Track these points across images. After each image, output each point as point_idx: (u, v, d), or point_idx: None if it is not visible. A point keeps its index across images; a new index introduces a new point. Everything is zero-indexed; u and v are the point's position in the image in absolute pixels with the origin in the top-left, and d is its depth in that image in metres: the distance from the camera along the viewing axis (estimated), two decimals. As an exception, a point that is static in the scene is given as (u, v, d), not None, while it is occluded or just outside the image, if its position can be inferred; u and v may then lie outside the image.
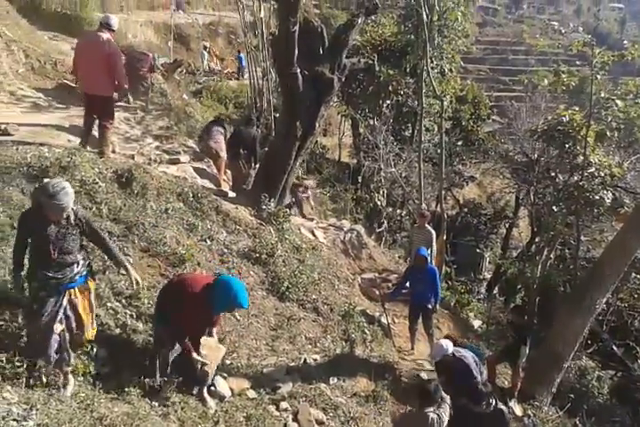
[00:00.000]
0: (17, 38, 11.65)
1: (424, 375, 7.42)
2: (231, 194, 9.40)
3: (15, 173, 5.72)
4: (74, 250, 4.07)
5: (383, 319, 8.55)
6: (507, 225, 20.38)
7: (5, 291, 4.36)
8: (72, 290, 4.09)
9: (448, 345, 6.02)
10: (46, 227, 3.92)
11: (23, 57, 11.63)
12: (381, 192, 16.46)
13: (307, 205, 11.89)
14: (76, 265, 4.09)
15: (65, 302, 4.02)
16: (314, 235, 9.99)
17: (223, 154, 10.42)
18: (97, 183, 6.18)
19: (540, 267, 13.42)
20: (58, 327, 4.00)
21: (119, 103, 9.32)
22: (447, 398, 5.49)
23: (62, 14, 16.77)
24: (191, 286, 4.53)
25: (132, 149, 9.34)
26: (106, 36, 7.34)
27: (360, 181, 18.03)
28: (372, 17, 11.45)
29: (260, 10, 15.39)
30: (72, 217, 4.04)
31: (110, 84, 7.57)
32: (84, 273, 4.20)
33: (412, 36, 16.71)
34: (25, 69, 11.43)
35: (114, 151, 8.20)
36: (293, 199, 10.98)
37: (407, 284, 8.39)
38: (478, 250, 20.21)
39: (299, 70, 8.34)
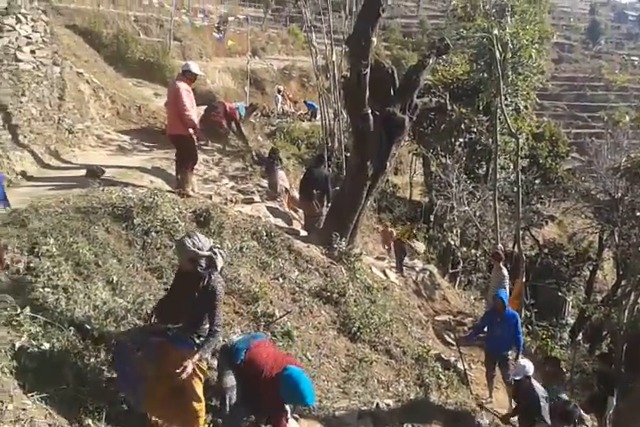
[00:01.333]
0: (104, 85, 12.52)
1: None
2: (303, 233, 9.50)
3: (101, 212, 6.01)
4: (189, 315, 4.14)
5: (459, 365, 8.22)
6: (590, 267, 19.39)
7: (96, 327, 4.52)
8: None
9: (529, 367, 5.82)
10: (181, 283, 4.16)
11: (109, 102, 12.47)
12: (455, 231, 16.13)
13: (379, 244, 11.83)
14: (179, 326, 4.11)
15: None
16: (385, 275, 9.87)
17: (290, 191, 10.64)
18: (177, 222, 6.40)
19: (627, 312, 12.59)
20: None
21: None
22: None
23: (145, 62, 17.95)
24: (265, 372, 4.30)
25: (210, 189, 9.68)
26: (180, 83, 7.75)
27: (432, 219, 17.79)
28: (444, 56, 11.51)
29: (331, 53, 15.86)
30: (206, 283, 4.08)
31: (181, 127, 7.95)
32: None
33: (485, 74, 16.64)
34: (111, 114, 12.24)
35: (193, 191, 8.50)
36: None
37: (484, 328, 8.06)
38: (560, 293, 19.21)
39: (370, 111, 8.44)
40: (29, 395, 3.73)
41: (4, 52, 8.56)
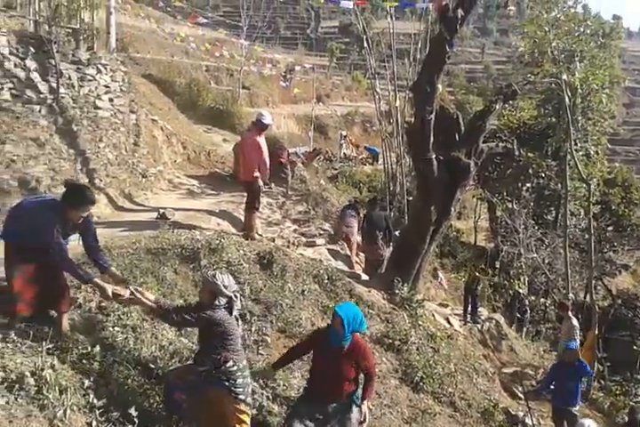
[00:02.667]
0: (176, 131, 13.12)
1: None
2: (364, 277, 9.43)
3: (170, 253, 6.19)
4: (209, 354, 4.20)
5: (527, 420, 7.77)
6: (669, 319, 18.18)
7: (161, 366, 4.59)
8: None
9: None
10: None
11: (181, 148, 13.03)
12: (522, 279, 15.56)
13: (440, 290, 11.56)
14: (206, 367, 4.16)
15: None
16: (449, 322, 9.58)
17: (354, 238, 10.65)
18: (241, 264, 6.50)
19: None
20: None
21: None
22: None
23: (215, 109, 18.77)
24: None
25: (273, 232, 9.82)
26: (251, 134, 8.03)
27: (498, 266, 17.27)
28: (510, 102, 11.46)
29: (395, 99, 16.09)
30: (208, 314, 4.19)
31: (248, 173, 8.18)
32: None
33: (554, 119, 16.44)
34: (182, 159, 12.76)
35: (258, 234, 8.64)
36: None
37: (553, 381, 7.65)
38: (635, 347, 18.03)
39: (434, 156, 8.44)
40: (96, 433, 3.80)
41: (84, 101, 9.15)
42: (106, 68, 9.70)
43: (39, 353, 3.94)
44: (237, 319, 4.29)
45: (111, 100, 9.77)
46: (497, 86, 14.53)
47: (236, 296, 4.21)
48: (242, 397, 4.17)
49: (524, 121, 18.54)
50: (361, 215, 11.17)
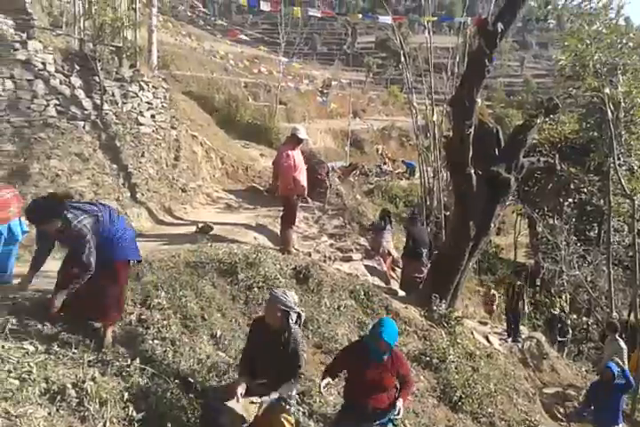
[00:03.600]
0: (215, 147, 13.31)
1: None
2: (401, 293, 9.32)
3: (208, 267, 6.26)
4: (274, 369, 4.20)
5: (570, 443, 7.51)
6: None
7: (199, 380, 4.61)
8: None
9: None
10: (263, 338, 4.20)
11: (220, 163, 13.21)
12: (564, 297, 15.14)
13: (482, 308, 11.34)
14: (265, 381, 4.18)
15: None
16: (488, 341, 9.39)
17: (393, 252, 10.56)
18: (278, 279, 6.53)
19: None
20: None
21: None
22: None
23: (253, 124, 19.00)
24: None
25: (309, 246, 9.82)
26: (287, 149, 8.09)
27: (539, 283, 16.87)
28: (551, 115, 11.27)
29: (432, 113, 16.02)
30: (287, 335, 4.22)
31: (284, 188, 8.21)
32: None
33: (596, 133, 16.08)
34: (220, 174, 12.93)
35: (294, 248, 8.66)
36: None
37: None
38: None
39: (473, 171, 8.34)
40: (134, 445, 3.83)
41: (127, 117, 9.39)
42: (148, 85, 9.94)
43: (81, 365, 4.01)
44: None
45: (153, 116, 10.00)
46: (537, 100, 14.31)
47: (302, 311, 4.31)
48: (293, 409, 4.31)
49: (566, 135, 18.20)
50: (391, 225, 11.11)
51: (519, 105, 36.11)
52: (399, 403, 4.43)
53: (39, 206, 4.19)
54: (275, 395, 4.12)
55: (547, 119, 13.10)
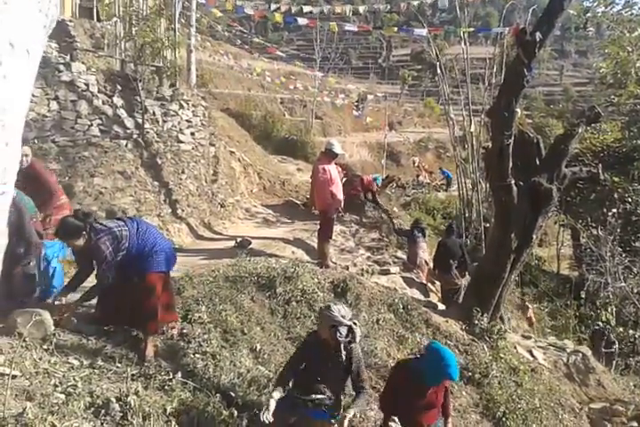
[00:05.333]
0: (252, 162, 13.51)
1: None
2: (441, 306, 9.20)
3: (247, 281, 6.32)
4: (329, 384, 4.16)
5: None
6: None
7: (240, 394, 4.64)
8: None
9: None
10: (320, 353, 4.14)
11: (257, 178, 13.38)
12: (610, 310, 14.66)
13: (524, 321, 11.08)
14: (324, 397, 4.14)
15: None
16: (532, 355, 9.13)
17: (430, 263, 10.46)
18: (316, 292, 6.53)
19: None
20: None
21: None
22: None
23: (289, 139, 19.24)
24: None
25: (347, 259, 9.82)
26: (322, 163, 8.13)
27: (583, 296, 16.38)
28: (593, 124, 11.04)
29: (470, 124, 15.88)
30: (346, 354, 4.13)
31: (321, 202, 8.25)
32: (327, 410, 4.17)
33: (639, 142, 15.67)
34: (258, 189, 13.10)
35: (332, 262, 8.67)
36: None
37: None
38: None
39: (513, 182, 8.21)
40: (177, 460, 3.87)
41: (167, 135, 9.63)
42: (187, 104, 10.19)
43: (124, 379, 4.07)
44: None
45: (192, 133, 10.23)
46: (578, 109, 14.08)
47: (355, 323, 4.18)
48: (357, 411, 4.26)
49: (608, 144, 17.77)
50: (424, 236, 11.03)
51: (559, 114, 35.40)
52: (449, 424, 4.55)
53: (66, 224, 4.38)
54: (353, 410, 4.10)
55: (588, 128, 12.83)
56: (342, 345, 4.10)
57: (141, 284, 4.45)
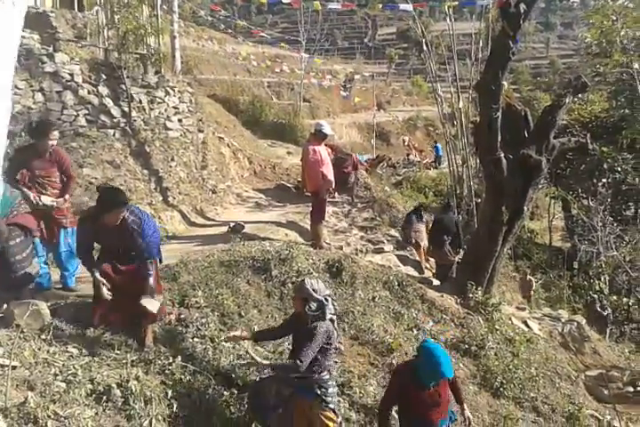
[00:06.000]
0: (242, 147, 13.47)
1: None
2: (435, 282, 9.29)
3: (242, 265, 6.35)
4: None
5: (615, 423, 7.36)
6: None
7: (240, 376, 4.71)
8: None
9: None
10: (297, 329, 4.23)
11: (247, 163, 13.35)
12: (602, 279, 14.83)
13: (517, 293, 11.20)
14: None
15: None
16: (527, 326, 9.27)
17: (423, 243, 10.53)
18: (311, 273, 6.57)
19: None
20: None
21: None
22: None
23: (278, 123, 19.14)
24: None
25: (340, 240, 9.87)
26: (312, 145, 8.13)
27: (576, 266, 16.55)
28: (580, 95, 11.06)
29: (458, 101, 15.84)
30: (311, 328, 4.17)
31: (313, 183, 8.27)
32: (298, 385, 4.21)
33: (627, 111, 15.69)
34: (249, 174, 13.08)
35: (325, 242, 8.71)
36: None
37: None
38: None
39: (503, 155, 8.24)
40: (181, 442, 3.94)
41: (155, 122, 9.57)
42: (174, 90, 10.11)
43: (124, 365, 4.12)
44: (333, 322, 4.30)
45: (180, 120, 10.17)
46: (565, 81, 14.04)
47: (326, 300, 4.20)
48: (331, 405, 4.22)
49: (596, 115, 17.80)
50: (425, 219, 11.08)
51: (547, 87, 35.34)
52: (466, 412, 4.68)
53: (113, 193, 4.42)
54: (264, 362, 4.32)
55: (576, 99, 12.84)
56: (310, 319, 4.14)
57: (140, 271, 4.45)
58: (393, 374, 4.65)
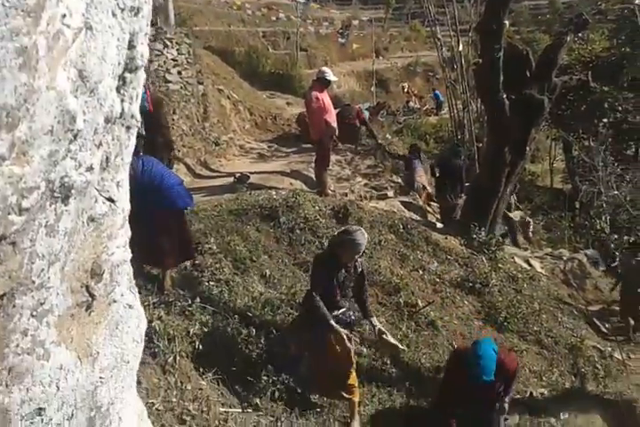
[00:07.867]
0: (242, 99, 13.37)
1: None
2: (439, 225, 9.47)
3: (251, 213, 6.52)
4: (349, 296, 4.50)
5: (616, 354, 7.72)
6: None
7: (257, 315, 4.96)
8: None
9: None
10: (337, 271, 4.38)
11: (248, 115, 13.29)
12: (604, 218, 15.02)
13: (520, 234, 11.42)
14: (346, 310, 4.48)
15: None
16: (529, 264, 9.52)
17: (428, 187, 10.63)
18: (318, 219, 6.76)
19: None
20: None
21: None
22: None
23: (276, 74, 18.87)
24: None
25: (344, 187, 9.97)
26: (314, 92, 8.07)
27: (577, 206, 16.71)
28: (580, 34, 10.88)
29: (457, 44, 15.58)
30: (357, 268, 4.49)
31: (316, 130, 8.28)
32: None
33: (628, 49, 15.43)
34: (250, 125, 13.05)
35: (330, 190, 8.83)
36: (506, 228, 10.67)
37: None
38: None
39: (505, 96, 8.24)
40: (204, 376, 4.20)
41: (155, 75, 9.50)
42: (171, 42, 9.98)
43: (147, 307, 4.33)
44: None
45: (179, 72, 10.07)
46: (564, 20, 13.74)
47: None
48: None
49: (597, 54, 17.47)
50: (421, 160, 11.16)
51: (547, 27, 34.47)
52: (506, 405, 4.64)
53: None
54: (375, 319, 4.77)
55: (576, 38, 12.64)
56: (359, 261, 4.47)
57: (152, 222, 4.47)
58: (447, 369, 4.98)
